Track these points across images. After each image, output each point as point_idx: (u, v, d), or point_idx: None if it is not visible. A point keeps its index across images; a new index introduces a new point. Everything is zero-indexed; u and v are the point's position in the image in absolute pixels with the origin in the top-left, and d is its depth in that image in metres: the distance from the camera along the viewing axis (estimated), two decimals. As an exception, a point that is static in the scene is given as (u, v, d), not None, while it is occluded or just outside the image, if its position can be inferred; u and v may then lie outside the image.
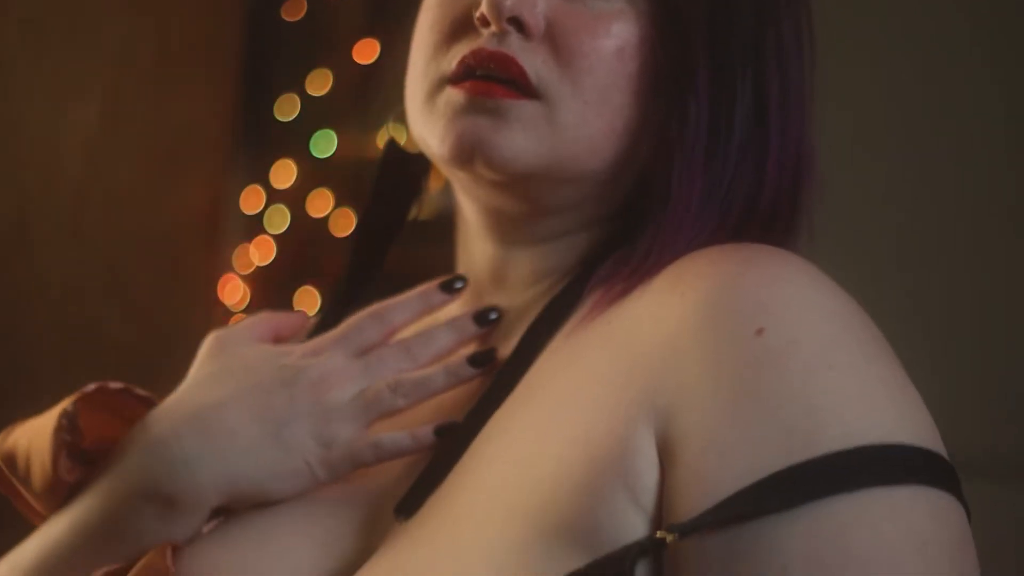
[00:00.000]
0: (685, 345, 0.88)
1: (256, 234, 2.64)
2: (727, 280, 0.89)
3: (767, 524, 0.80)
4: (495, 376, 1.00)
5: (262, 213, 2.65)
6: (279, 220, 2.63)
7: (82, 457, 1.06)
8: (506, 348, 1.03)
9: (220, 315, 2.62)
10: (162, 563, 0.95)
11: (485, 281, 1.10)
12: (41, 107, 2.69)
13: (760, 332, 0.86)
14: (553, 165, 1.00)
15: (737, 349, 0.85)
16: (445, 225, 1.16)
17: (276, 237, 2.64)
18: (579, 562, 0.84)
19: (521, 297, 1.07)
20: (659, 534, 0.83)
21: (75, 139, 2.69)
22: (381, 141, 1.22)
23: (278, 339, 1.12)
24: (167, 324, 2.64)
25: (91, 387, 1.08)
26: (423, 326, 1.08)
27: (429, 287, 1.08)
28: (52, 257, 2.65)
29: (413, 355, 1.05)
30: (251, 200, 2.65)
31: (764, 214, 1.01)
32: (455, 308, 1.11)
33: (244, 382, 1.03)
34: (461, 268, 1.13)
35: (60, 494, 1.06)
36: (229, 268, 2.64)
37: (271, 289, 2.61)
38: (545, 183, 1.01)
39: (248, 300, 2.62)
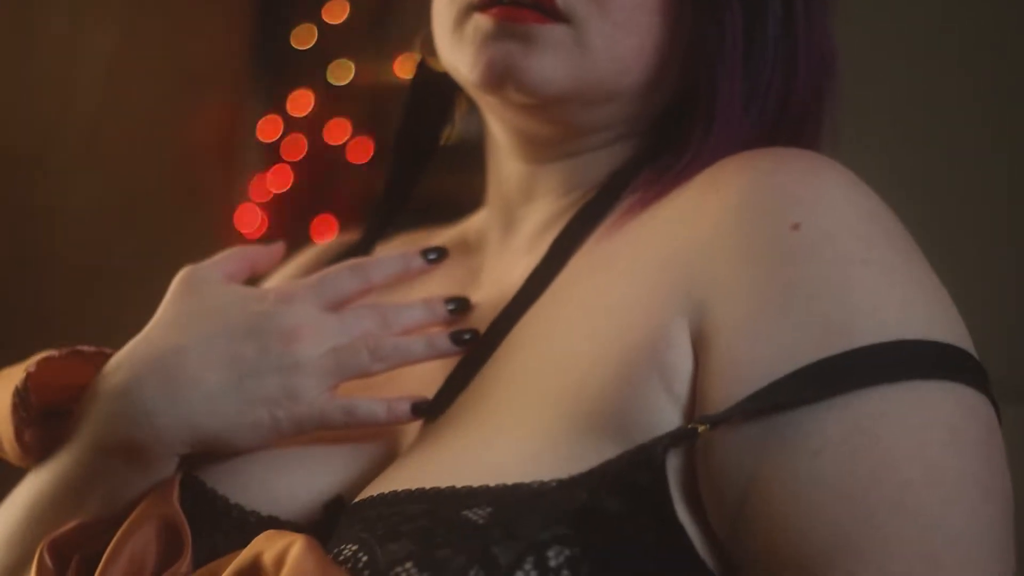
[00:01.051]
0: (720, 239, 0.90)
1: (273, 163, 2.65)
2: (763, 176, 0.92)
3: (800, 414, 0.83)
4: (525, 281, 1.02)
5: (279, 141, 2.65)
6: (296, 148, 2.64)
7: (46, 422, 1.05)
8: (533, 258, 1.05)
9: (236, 243, 2.62)
10: (169, 505, 0.96)
11: (514, 196, 1.11)
12: (58, 34, 2.69)
13: (795, 227, 0.88)
14: (584, 87, 1.01)
15: (772, 242, 0.88)
16: (472, 152, 1.18)
17: (293, 165, 2.64)
18: (611, 453, 0.86)
19: (550, 208, 1.08)
20: (691, 424, 0.85)
21: (92, 67, 2.69)
22: (406, 66, 1.23)
23: (254, 274, 1.11)
24: (184, 252, 2.64)
25: (36, 360, 1.05)
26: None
27: (410, 251, 1.09)
28: (68, 185, 2.65)
29: (388, 321, 1.03)
30: (268, 128, 2.65)
31: (794, 119, 1.03)
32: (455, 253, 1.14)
33: (211, 326, 1.00)
34: (491, 186, 1.15)
35: (35, 457, 1.06)
36: (245, 196, 2.65)
37: (288, 217, 2.61)
38: (576, 105, 1.03)
39: (265, 228, 2.62)
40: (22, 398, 1.03)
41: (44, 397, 1.04)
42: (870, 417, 0.82)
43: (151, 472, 1.00)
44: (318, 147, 2.65)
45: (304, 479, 0.99)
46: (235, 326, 1.00)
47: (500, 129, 1.10)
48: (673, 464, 0.86)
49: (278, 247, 1.12)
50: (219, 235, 2.65)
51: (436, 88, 1.18)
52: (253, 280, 1.12)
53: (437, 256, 1.08)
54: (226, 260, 1.07)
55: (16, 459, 1.07)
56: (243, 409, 0.98)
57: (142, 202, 2.70)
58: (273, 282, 1.24)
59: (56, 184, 2.66)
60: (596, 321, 0.93)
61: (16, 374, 1.05)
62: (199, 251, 2.61)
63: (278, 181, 2.65)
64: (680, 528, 0.84)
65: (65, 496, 1.03)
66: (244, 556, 0.88)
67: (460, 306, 1.06)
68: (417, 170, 1.22)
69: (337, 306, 1.03)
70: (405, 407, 1.00)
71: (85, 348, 1.06)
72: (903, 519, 0.80)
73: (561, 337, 0.95)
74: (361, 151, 2.61)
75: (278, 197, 2.65)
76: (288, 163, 2.65)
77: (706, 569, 0.84)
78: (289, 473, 0.99)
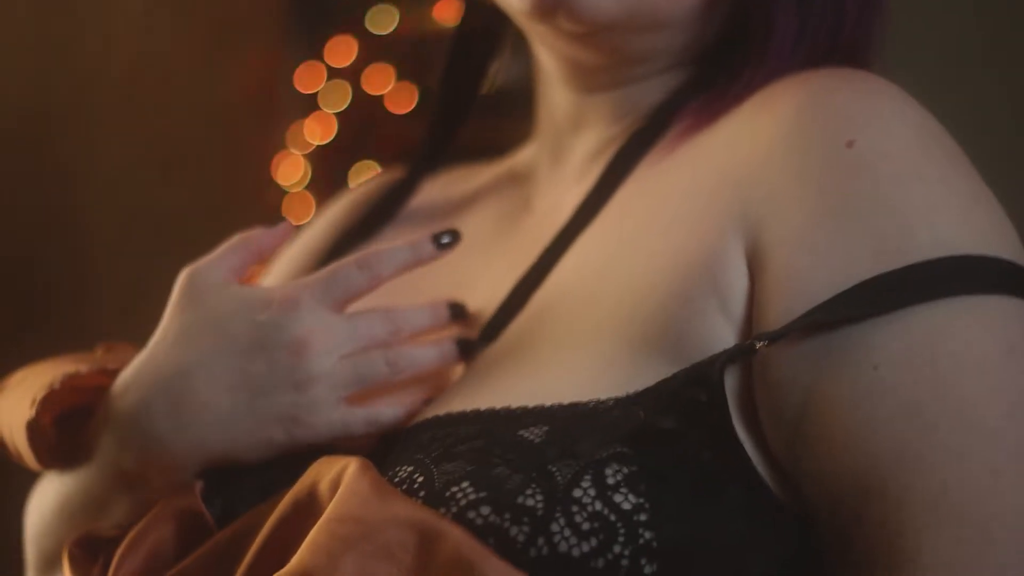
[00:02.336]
0: (775, 157, 0.90)
1: (311, 111, 2.63)
2: (818, 95, 0.92)
3: (859, 329, 0.83)
4: (576, 208, 1.03)
5: (319, 90, 2.64)
6: (336, 97, 2.62)
7: (63, 425, 1.04)
8: (584, 185, 1.05)
9: (274, 193, 2.62)
10: (190, 497, 0.96)
11: (564, 126, 1.11)
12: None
13: (850, 144, 0.88)
14: (635, 14, 1.01)
15: (828, 160, 0.88)
16: (517, 99, 1.17)
17: (333, 114, 2.63)
18: (667, 372, 0.87)
19: (600, 137, 1.08)
20: (749, 341, 0.86)
21: (128, 19, 2.69)
22: (447, 12, 1.21)
23: (261, 261, 1.08)
24: (223, 200, 2.66)
25: (46, 390, 1.03)
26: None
27: (420, 239, 1.03)
28: (107, 133, 2.66)
29: (398, 326, 1.00)
30: (307, 77, 2.64)
31: (844, 47, 1.03)
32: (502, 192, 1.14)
33: (216, 342, 0.97)
34: (541, 117, 1.15)
35: (52, 465, 1.07)
36: (285, 147, 2.64)
37: (329, 167, 2.60)
38: (627, 32, 1.03)
39: (308, 178, 2.61)
40: (32, 428, 1.02)
41: (62, 402, 1.03)
42: (929, 331, 0.83)
43: (173, 482, 0.98)
44: (359, 96, 2.63)
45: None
46: (240, 340, 0.97)
47: (549, 59, 1.09)
48: (730, 382, 0.86)
49: (285, 227, 1.07)
50: (258, 186, 2.65)
51: (483, 25, 1.18)
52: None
53: (451, 240, 1.04)
54: (228, 254, 1.02)
55: (32, 466, 1.07)
56: (257, 429, 0.96)
57: (180, 155, 2.70)
58: (313, 237, 1.24)
59: (93, 138, 2.67)
60: (651, 243, 0.94)
61: (35, 384, 1.04)
62: (238, 199, 2.61)
63: (319, 131, 2.63)
64: (738, 445, 0.85)
65: (89, 505, 1.03)
66: (301, 484, 0.88)
67: (459, 313, 1.04)
68: (463, 109, 1.21)
69: (346, 305, 1.00)
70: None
71: (111, 367, 1.04)
72: (964, 432, 0.81)
73: (615, 260, 0.95)
74: (403, 100, 2.59)
75: (319, 147, 2.63)
76: (329, 112, 2.64)
77: (764, 485, 0.85)
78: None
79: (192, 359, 0.97)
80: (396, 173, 1.25)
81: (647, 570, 0.81)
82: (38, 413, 1.02)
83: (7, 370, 1.13)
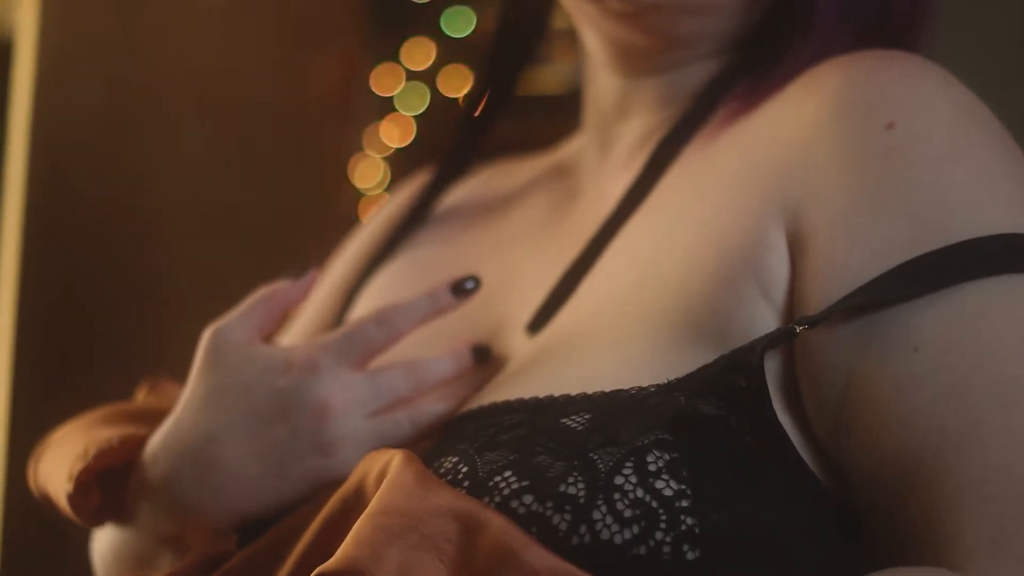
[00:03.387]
0: (815, 140, 0.91)
1: (388, 113, 2.65)
2: (857, 77, 0.92)
3: (898, 311, 0.84)
4: (623, 195, 1.03)
5: (395, 92, 2.65)
6: (414, 99, 2.64)
7: (103, 504, 1.05)
8: (631, 173, 1.05)
9: (351, 196, 2.64)
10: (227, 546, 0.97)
11: (610, 113, 1.12)
12: (170, -13, 2.72)
13: (890, 126, 0.89)
14: None
15: (867, 142, 0.88)
16: (568, 100, 1.17)
17: (410, 116, 2.64)
18: (708, 358, 0.88)
19: (646, 123, 1.09)
20: (790, 325, 0.86)
21: (205, 19, 2.71)
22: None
23: (288, 313, 1.08)
24: (299, 204, 2.67)
25: (82, 463, 1.03)
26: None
27: (438, 288, 1.02)
28: (183, 134, 2.68)
29: (420, 378, 1.00)
30: (384, 79, 2.65)
31: (892, 29, 1.02)
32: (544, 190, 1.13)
33: (238, 409, 0.98)
34: (587, 107, 1.16)
35: (96, 523, 1.08)
36: (360, 149, 2.66)
37: (407, 169, 2.61)
38: (675, 14, 1.04)
39: (386, 181, 2.63)
40: (73, 501, 1.03)
41: (98, 470, 1.03)
42: (969, 312, 0.83)
43: (212, 539, 0.99)
44: (436, 98, 2.64)
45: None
46: (262, 408, 0.97)
47: (596, 42, 1.10)
48: (771, 367, 0.87)
49: (310, 278, 1.06)
50: (335, 189, 2.66)
51: (522, 23, 1.19)
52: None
53: (474, 286, 1.03)
54: (253, 310, 1.02)
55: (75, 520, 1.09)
56: (288, 489, 0.97)
57: (256, 157, 2.73)
58: (346, 263, 1.25)
59: (169, 138, 2.69)
60: (694, 229, 0.94)
61: (71, 452, 1.04)
62: (315, 207, 2.63)
63: (396, 133, 2.65)
64: (779, 429, 0.85)
65: (139, 559, 1.05)
66: (349, 481, 0.90)
67: (483, 355, 1.03)
68: (497, 107, 1.21)
69: (366, 363, 1.00)
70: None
71: (142, 432, 1.05)
72: (1006, 413, 0.80)
73: (659, 246, 0.96)
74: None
75: (397, 150, 2.65)
76: (406, 115, 2.65)
77: (806, 470, 0.86)
78: None
79: (217, 427, 0.98)
80: (426, 177, 1.26)
81: (689, 556, 0.81)
82: (76, 487, 1.02)
83: (81, 363, 1.15)
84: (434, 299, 1.02)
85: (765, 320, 0.88)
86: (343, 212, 2.59)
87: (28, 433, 1.23)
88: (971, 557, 0.79)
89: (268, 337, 1.04)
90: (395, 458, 0.86)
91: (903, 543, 0.82)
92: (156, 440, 1.02)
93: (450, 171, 1.23)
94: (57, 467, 1.06)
